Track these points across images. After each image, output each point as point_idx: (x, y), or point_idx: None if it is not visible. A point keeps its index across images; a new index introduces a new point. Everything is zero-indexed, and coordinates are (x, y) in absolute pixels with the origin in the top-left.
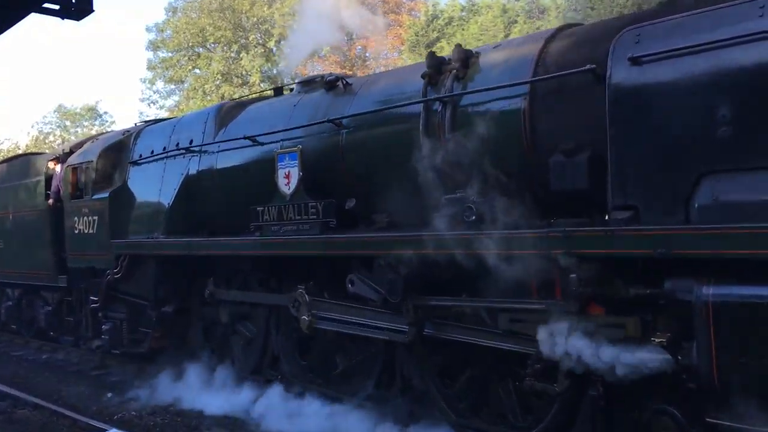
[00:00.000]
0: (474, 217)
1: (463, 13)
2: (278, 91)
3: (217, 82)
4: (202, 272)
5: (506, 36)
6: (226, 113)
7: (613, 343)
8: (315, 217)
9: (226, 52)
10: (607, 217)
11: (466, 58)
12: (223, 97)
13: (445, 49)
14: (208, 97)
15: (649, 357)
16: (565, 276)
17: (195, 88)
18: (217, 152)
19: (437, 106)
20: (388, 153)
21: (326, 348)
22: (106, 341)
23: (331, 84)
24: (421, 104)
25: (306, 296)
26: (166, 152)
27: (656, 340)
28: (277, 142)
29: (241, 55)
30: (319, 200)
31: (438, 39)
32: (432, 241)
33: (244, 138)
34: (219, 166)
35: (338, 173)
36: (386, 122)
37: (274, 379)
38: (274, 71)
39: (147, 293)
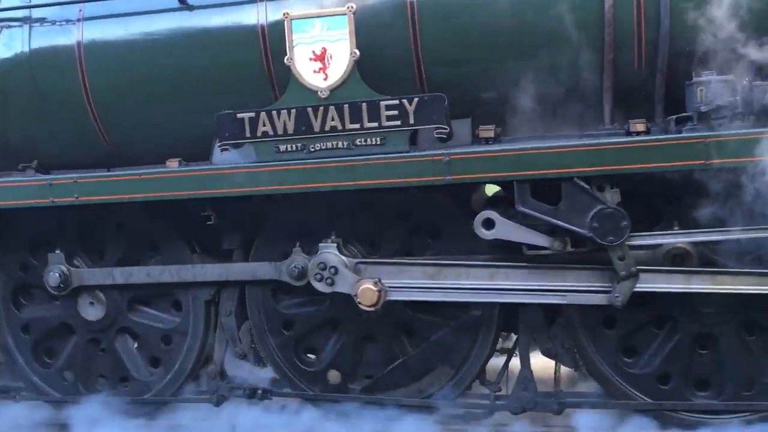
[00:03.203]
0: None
1: None
2: None
3: None
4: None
5: None
6: None
7: None
8: (397, 123)
9: None
10: None
11: None
12: None
13: None
14: None
15: None
16: None
17: None
18: (82, 21)
19: None
20: (510, 20)
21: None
22: None
23: None
24: None
25: None
26: None
27: None
28: (252, 2)
29: None
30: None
31: None
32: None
33: None
34: (91, 43)
35: (404, 54)
36: None
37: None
38: None
39: None
